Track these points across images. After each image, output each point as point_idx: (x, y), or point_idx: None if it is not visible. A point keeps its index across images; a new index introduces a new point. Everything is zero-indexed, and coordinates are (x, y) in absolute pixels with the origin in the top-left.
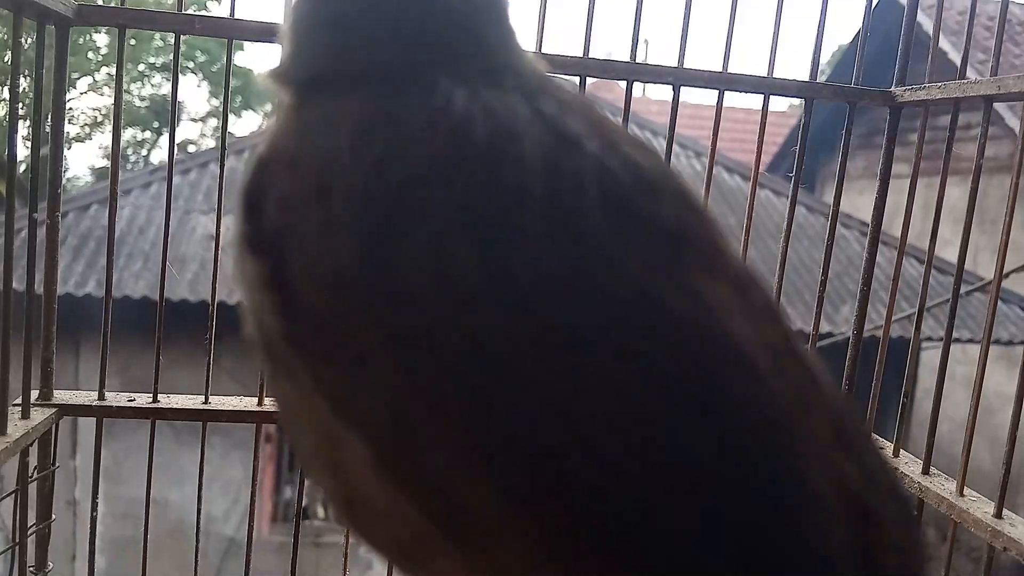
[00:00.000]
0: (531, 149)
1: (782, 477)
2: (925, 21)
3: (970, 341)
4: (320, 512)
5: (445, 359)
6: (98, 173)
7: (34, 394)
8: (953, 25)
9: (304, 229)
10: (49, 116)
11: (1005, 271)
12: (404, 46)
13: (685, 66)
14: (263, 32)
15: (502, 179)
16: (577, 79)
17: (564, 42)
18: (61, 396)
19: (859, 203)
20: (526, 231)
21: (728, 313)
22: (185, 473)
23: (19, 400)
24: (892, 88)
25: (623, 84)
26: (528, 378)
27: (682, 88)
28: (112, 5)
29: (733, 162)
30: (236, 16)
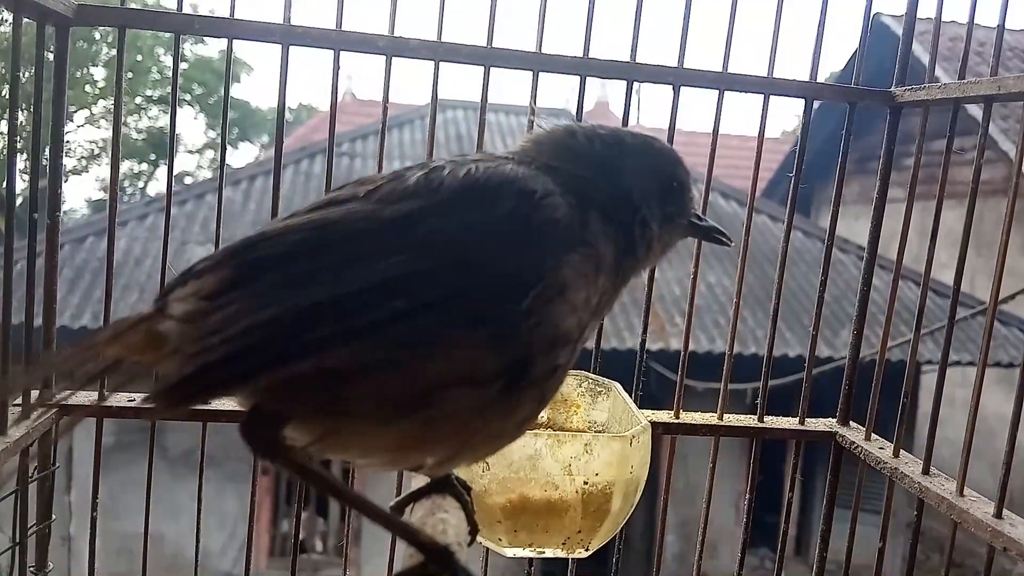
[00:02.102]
0: None
1: None
2: (919, 49)
3: (971, 364)
4: (318, 545)
5: None
6: (94, 206)
7: (34, 394)
8: (945, 52)
9: None
10: (49, 116)
11: (1004, 296)
12: None
13: (685, 66)
14: (262, 31)
15: None
16: (577, 79)
17: (564, 42)
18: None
19: (856, 228)
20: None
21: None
22: (180, 508)
23: (19, 400)
24: (892, 88)
25: (618, 112)
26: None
27: (678, 100)
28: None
29: (728, 188)
30: (236, 16)
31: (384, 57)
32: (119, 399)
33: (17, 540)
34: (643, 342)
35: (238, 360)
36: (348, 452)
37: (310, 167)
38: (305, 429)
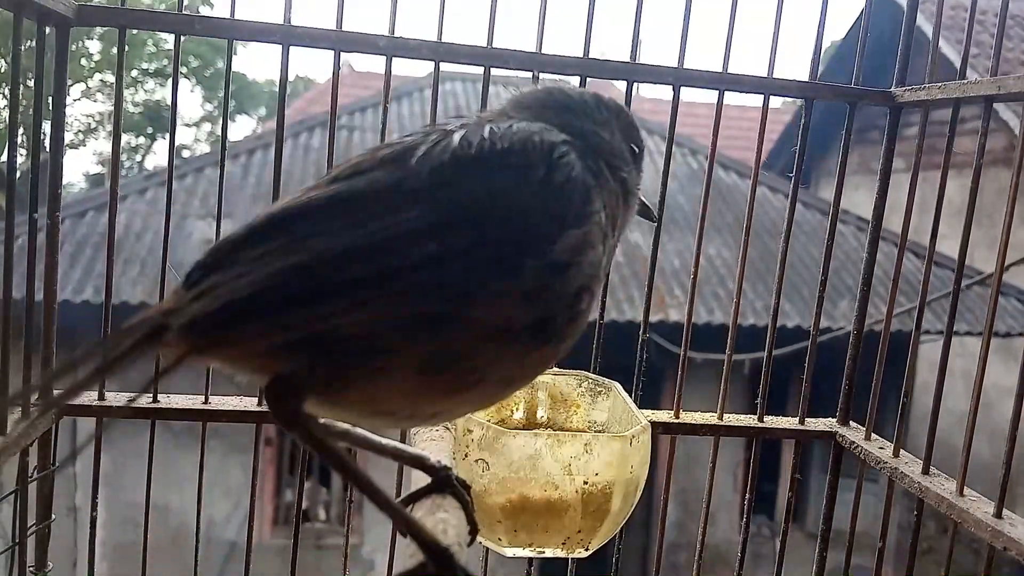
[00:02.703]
0: None
1: None
2: (922, 21)
3: (968, 334)
4: (321, 514)
5: None
6: (92, 180)
7: (34, 394)
8: (947, 21)
9: None
10: (49, 116)
11: (1005, 264)
12: None
13: (685, 66)
14: (262, 32)
15: None
16: (577, 79)
17: (564, 42)
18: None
19: (855, 198)
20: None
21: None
22: (184, 477)
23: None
24: (892, 88)
25: (620, 83)
26: None
27: (678, 100)
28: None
29: (728, 159)
30: (236, 16)
31: (384, 57)
32: (119, 399)
33: (17, 540)
34: (643, 343)
35: (268, 295)
36: (367, 409)
37: (308, 140)
38: (331, 392)
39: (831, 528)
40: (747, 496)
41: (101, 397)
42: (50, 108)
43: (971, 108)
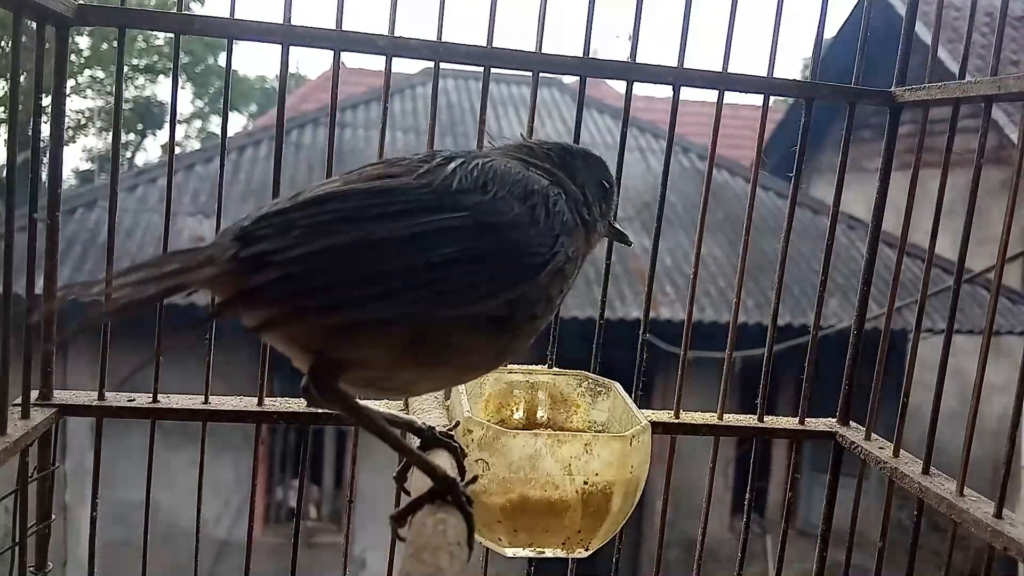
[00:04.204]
0: None
1: None
2: (920, 28)
3: (958, 332)
4: (312, 512)
5: None
6: (81, 176)
7: (34, 394)
8: (948, 31)
9: None
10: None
11: (995, 266)
12: None
13: (685, 66)
14: (262, 31)
15: None
16: (577, 79)
17: (564, 42)
18: (61, 396)
19: (844, 196)
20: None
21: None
22: (174, 476)
23: (19, 400)
24: (892, 88)
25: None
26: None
27: (678, 100)
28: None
29: (719, 157)
30: (236, 16)
31: (384, 57)
32: (119, 399)
33: (17, 540)
34: (642, 343)
35: (313, 275)
36: (383, 383)
37: (299, 137)
38: (359, 371)
39: (831, 528)
40: (747, 496)
41: (101, 397)
42: (49, 110)
43: (966, 107)
